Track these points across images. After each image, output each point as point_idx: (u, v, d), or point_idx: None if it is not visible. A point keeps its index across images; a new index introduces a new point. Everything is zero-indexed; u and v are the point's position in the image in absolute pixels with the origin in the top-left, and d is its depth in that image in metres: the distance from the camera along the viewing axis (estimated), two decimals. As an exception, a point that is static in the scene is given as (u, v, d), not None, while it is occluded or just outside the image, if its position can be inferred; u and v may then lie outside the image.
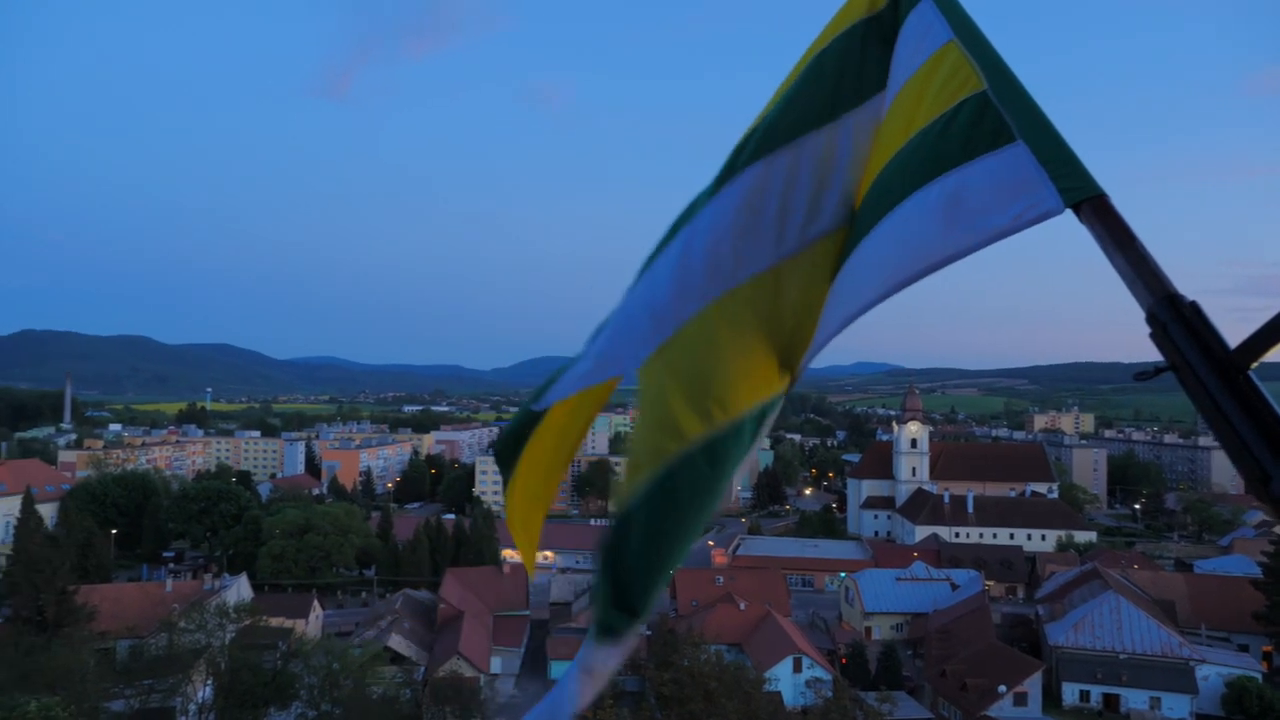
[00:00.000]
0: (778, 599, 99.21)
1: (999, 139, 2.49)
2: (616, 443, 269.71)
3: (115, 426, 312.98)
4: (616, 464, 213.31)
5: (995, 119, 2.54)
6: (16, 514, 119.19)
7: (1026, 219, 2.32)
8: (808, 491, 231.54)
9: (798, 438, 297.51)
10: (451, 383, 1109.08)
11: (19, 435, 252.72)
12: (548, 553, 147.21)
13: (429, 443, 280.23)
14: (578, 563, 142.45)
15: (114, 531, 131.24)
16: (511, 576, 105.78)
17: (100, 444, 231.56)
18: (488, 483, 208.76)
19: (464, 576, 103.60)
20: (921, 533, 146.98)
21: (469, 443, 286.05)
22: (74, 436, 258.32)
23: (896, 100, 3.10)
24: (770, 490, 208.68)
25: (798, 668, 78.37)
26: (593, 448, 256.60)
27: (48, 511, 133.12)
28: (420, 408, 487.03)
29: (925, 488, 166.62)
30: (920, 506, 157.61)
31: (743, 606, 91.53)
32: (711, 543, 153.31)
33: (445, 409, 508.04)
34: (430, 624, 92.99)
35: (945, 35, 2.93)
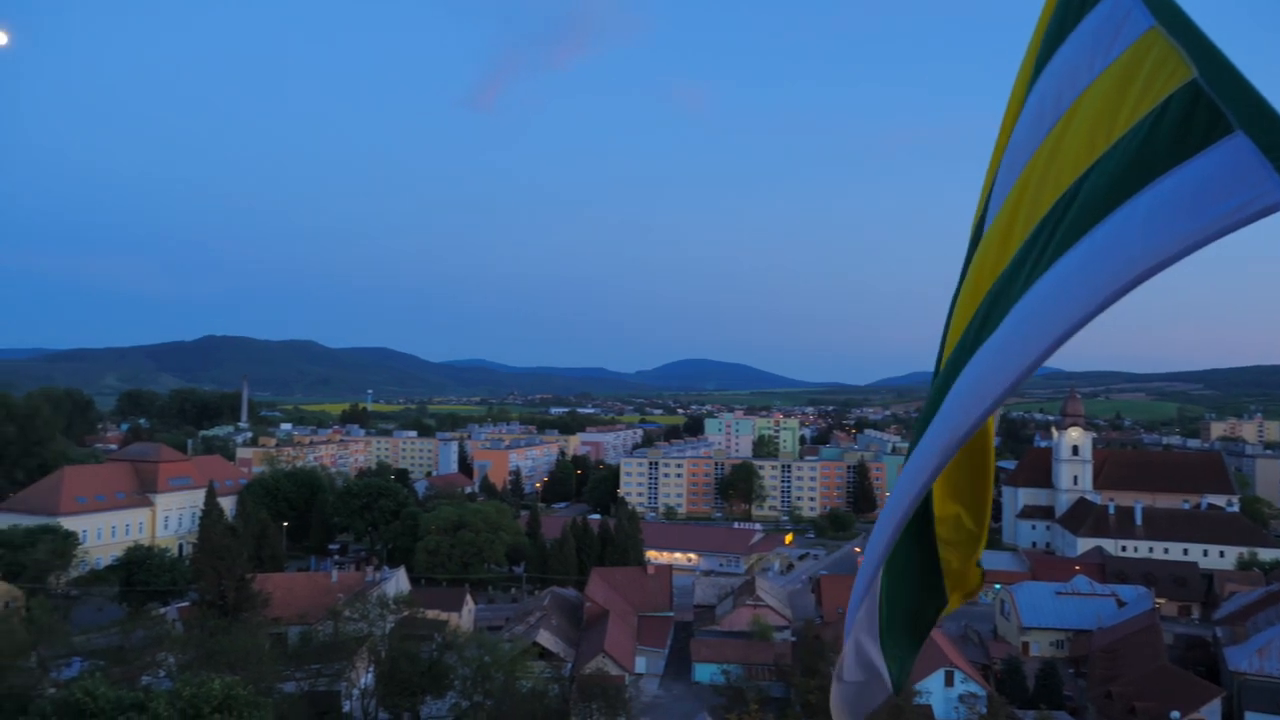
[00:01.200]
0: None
1: (1214, 131, 2.34)
2: (760, 446, 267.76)
3: (286, 426, 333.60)
4: (760, 466, 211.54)
5: (1209, 110, 2.38)
6: (201, 506, 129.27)
7: (1247, 214, 2.19)
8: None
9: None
10: (596, 385, 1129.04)
11: (203, 433, 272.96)
12: (691, 554, 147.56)
13: (575, 444, 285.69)
14: (721, 566, 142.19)
15: (285, 524, 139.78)
16: (656, 577, 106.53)
17: (273, 442, 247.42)
18: (632, 484, 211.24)
19: (609, 576, 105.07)
20: (1084, 545, 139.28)
21: (614, 444, 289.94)
22: (250, 435, 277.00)
23: (1090, 95, 2.92)
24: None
25: (949, 682, 75.68)
26: (736, 450, 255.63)
27: (228, 504, 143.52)
28: (566, 409, 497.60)
29: (1088, 497, 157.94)
30: (1082, 517, 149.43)
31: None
32: (858, 549, 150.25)
33: (590, 411, 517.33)
34: (577, 622, 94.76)
35: (1145, 22, 2.72)
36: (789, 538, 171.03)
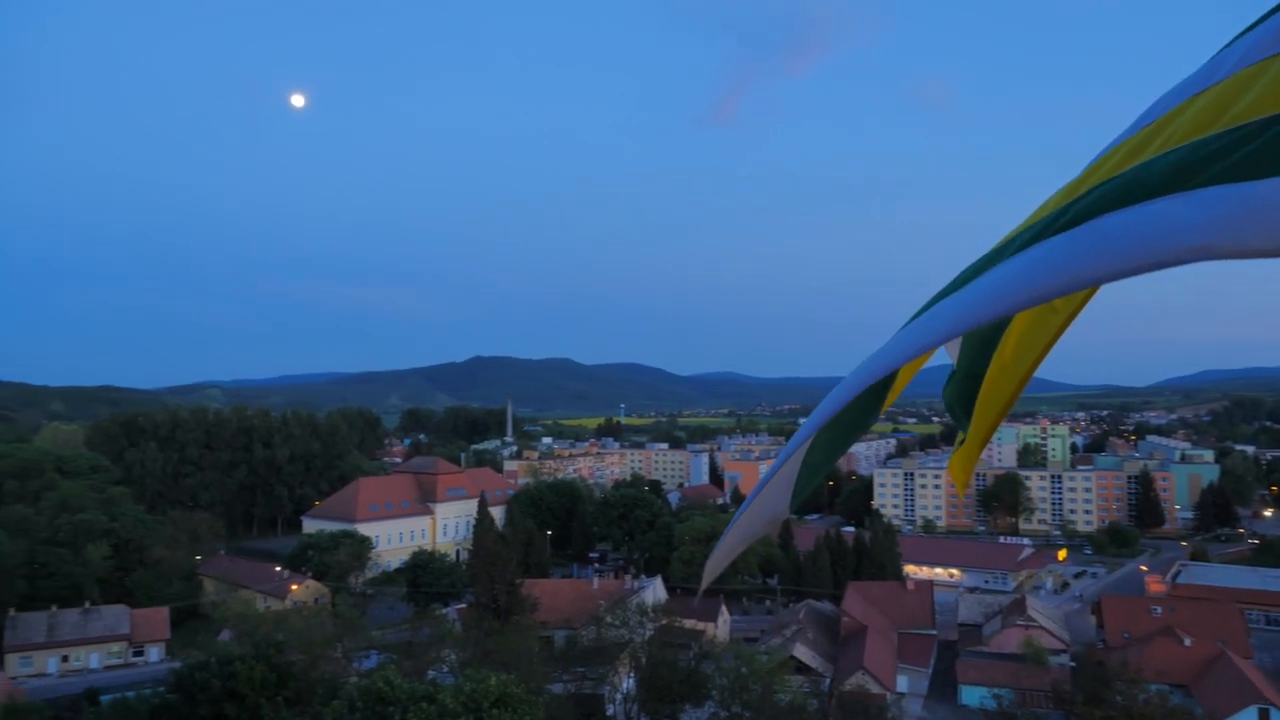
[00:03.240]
0: (1234, 637, 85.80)
1: None
2: (1025, 455, 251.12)
3: (547, 439, 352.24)
4: (1026, 477, 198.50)
5: None
6: (474, 514, 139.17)
7: None
8: (1267, 513, 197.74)
9: (1251, 449, 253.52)
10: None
11: (474, 447, 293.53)
12: (953, 570, 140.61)
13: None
14: (986, 583, 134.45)
15: (549, 532, 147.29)
16: (916, 593, 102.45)
17: (536, 455, 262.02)
18: (886, 495, 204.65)
19: (866, 590, 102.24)
20: None
21: (865, 455, 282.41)
22: (515, 448, 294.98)
23: (1234, 80, 2.96)
24: (1218, 510, 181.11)
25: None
26: (999, 459, 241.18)
27: (497, 513, 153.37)
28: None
29: None
30: None
31: (1187, 643, 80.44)
32: (1144, 568, 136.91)
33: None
34: (833, 636, 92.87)
35: None
36: (1062, 554, 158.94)
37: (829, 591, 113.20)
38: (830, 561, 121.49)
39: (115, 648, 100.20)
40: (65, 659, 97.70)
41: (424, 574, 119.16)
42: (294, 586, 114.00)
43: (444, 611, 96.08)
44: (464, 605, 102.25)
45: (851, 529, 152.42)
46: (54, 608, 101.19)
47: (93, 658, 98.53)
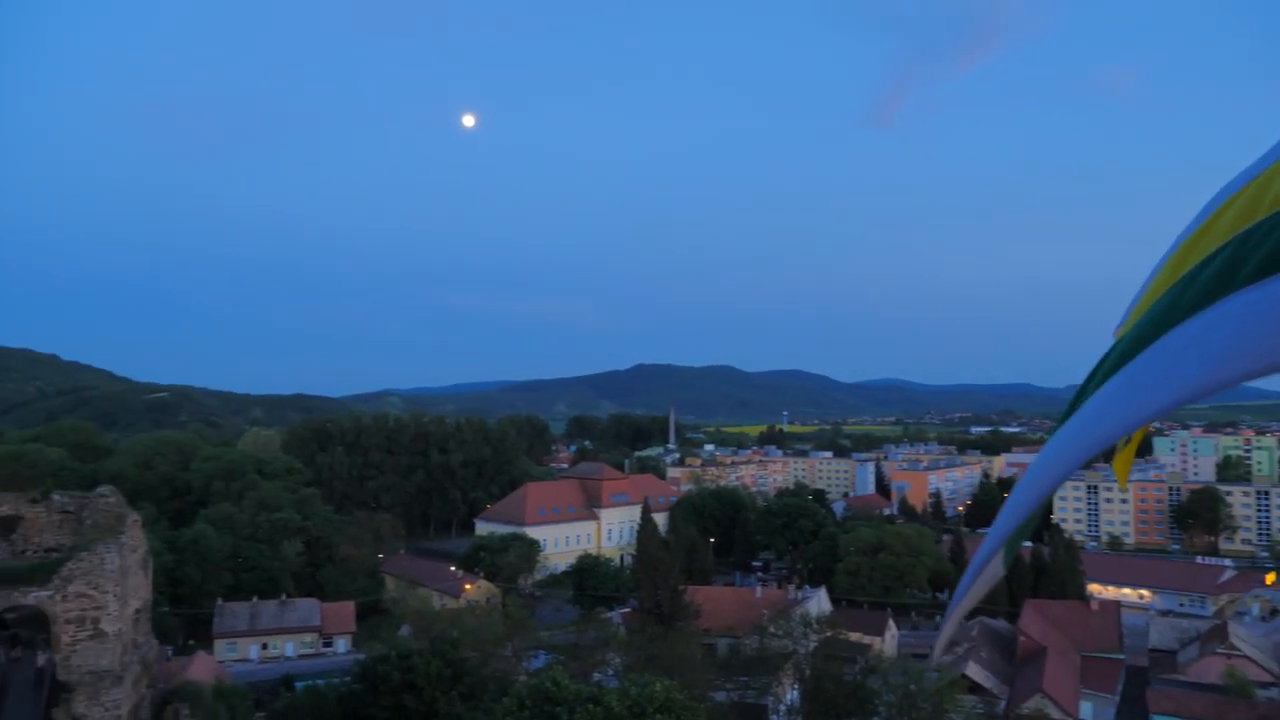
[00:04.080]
0: None
1: None
2: (1226, 468, 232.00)
3: (709, 447, 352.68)
4: (1227, 492, 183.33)
5: None
6: (637, 520, 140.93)
7: None
8: None
9: None
10: (1021, 401, 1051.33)
11: (637, 454, 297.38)
12: (1143, 591, 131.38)
13: (1000, 465, 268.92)
14: (1181, 606, 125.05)
15: (712, 540, 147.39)
16: (1101, 614, 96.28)
17: (698, 462, 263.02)
18: (1068, 509, 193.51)
19: (1045, 609, 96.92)
20: None
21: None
22: (677, 455, 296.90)
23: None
24: None
25: None
26: (1194, 472, 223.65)
27: (661, 519, 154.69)
28: (988, 428, 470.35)
29: None
30: None
31: None
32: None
33: (1016, 430, 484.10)
34: (1009, 656, 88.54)
35: None
36: (1270, 577, 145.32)
37: (1004, 609, 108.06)
38: (1006, 578, 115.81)
39: (308, 638, 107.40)
40: (264, 646, 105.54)
41: (590, 577, 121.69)
42: (467, 586, 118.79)
43: (609, 615, 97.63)
44: (628, 609, 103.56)
45: (1029, 544, 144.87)
46: (255, 599, 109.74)
47: (288, 646, 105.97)
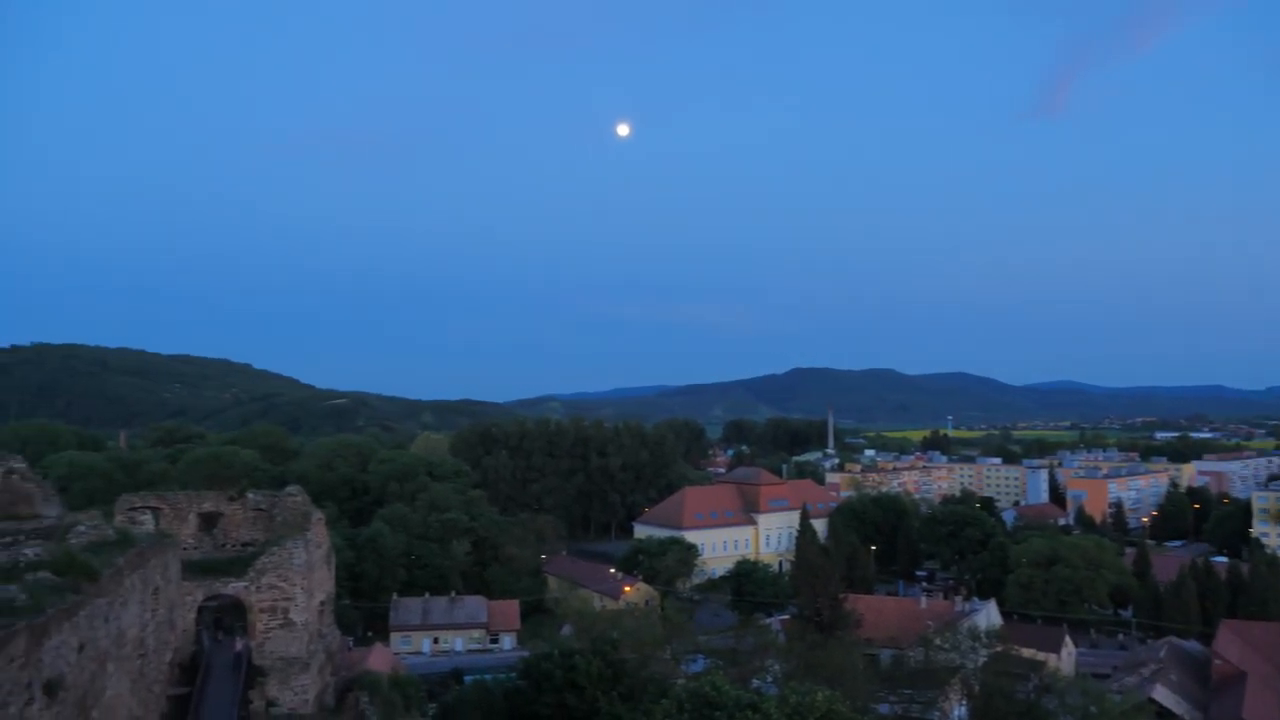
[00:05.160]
0: None
1: None
2: None
3: (869, 452, 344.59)
4: None
5: None
6: (796, 526, 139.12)
7: None
8: None
9: None
10: (1212, 405, 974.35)
11: (795, 458, 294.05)
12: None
13: (1189, 473, 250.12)
14: None
15: (873, 547, 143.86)
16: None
17: (858, 468, 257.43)
18: (1268, 522, 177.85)
19: (1245, 631, 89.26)
20: None
21: (1241, 474, 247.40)
22: (836, 460, 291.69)
23: None
24: None
25: None
26: None
27: (819, 526, 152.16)
28: (1175, 434, 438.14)
29: None
30: None
31: None
32: None
33: (1207, 435, 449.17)
34: (1202, 680, 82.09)
35: None
36: None
37: (1196, 629, 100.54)
38: (1198, 595, 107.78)
39: (475, 634, 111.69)
40: (436, 640, 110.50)
41: (747, 583, 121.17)
42: (627, 588, 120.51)
43: (767, 621, 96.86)
44: (787, 616, 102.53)
45: (1224, 559, 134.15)
46: (426, 595, 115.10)
47: (457, 641, 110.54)
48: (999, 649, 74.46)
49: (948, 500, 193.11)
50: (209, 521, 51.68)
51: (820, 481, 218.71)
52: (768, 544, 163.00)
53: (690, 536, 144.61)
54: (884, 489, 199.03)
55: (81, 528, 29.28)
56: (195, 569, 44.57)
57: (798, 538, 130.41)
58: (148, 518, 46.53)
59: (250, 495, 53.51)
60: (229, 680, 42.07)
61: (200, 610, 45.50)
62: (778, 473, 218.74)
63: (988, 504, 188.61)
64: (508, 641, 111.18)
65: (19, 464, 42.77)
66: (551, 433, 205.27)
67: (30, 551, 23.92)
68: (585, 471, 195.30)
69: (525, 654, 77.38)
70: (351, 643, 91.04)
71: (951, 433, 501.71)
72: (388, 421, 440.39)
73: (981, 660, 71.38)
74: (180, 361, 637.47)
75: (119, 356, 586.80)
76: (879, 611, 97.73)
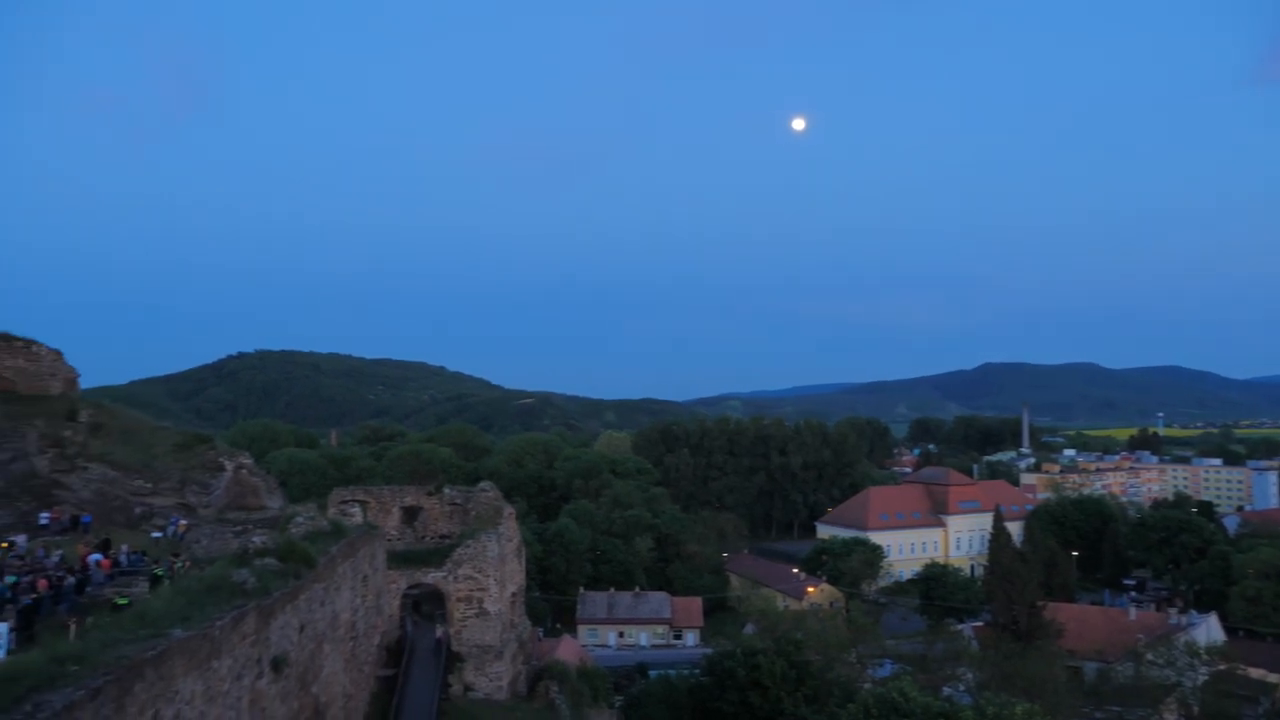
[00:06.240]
0: None
1: None
2: None
3: (1069, 452, 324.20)
4: None
5: None
6: (988, 529, 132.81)
7: None
8: None
9: None
10: None
11: (986, 458, 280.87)
12: None
13: None
14: None
15: (1074, 554, 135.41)
16: None
17: (1056, 468, 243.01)
18: None
19: None
20: None
21: None
22: (1032, 460, 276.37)
23: None
24: None
25: None
26: None
27: (1014, 529, 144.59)
28: None
29: None
30: None
31: None
32: None
33: None
34: None
35: None
36: None
37: None
38: None
39: (659, 629, 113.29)
40: (621, 634, 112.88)
41: (937, 587, 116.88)
42: (810, 589, 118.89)
43: (959, 628, 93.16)
44: (980, 623, 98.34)
45: None
46: (611, 590, 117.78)
47: (642, 636, 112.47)
48: (1222, 667, 68.61)
49: (1159, 504, 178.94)
50: (410, 514, 54.96)
51: (1014, 483, 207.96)
52: (957, 547, 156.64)
53: (875, 537, 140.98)
54: (1086, 491, 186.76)
55: (300, 518, 31.83)
56: (398, 559, 47.53)
57: (990, 541, 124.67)
58: (356, 510, 49.99)
59: (447, 490, 56.50)
60: (430, 664, 44.54)
61: (402, 597, 48.46)
62: (968, 473, 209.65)
63: (1206, 509, 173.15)
64: (691, 638, 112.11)
65: (246, 460, 46.93)
66: (732, 431, 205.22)
67: (258, 539, 26.23)
68: (766, 470, 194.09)
69: (708, 651, 77.88)
70: (541, 633, 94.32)
71: (1163, 431, 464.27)
72: (572, 420, 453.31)
73: (1201, 679, 65.93)
74: (383, 365, 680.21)
75: (330, 361, 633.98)
76: (1082, 621, 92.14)
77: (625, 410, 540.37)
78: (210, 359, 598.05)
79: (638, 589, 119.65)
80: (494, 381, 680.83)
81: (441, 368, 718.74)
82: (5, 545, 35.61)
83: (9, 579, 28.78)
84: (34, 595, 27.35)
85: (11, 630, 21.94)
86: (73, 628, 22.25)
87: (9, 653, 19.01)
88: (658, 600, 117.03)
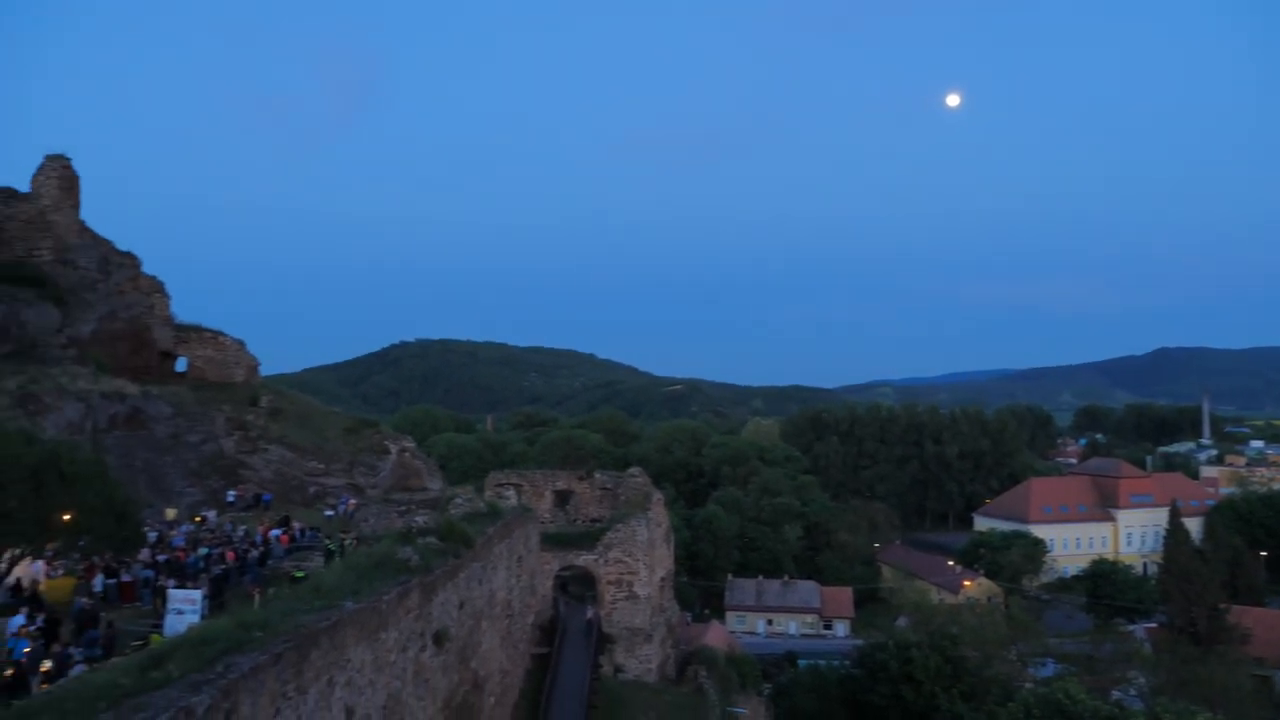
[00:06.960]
0: None
1: None
2: None
3: (1256, 443, 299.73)
4: None
5: None
6: (1163, 525, 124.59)
7: None
8: None
9: None
10: None
11: (1161, 449, 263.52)
12: None
13: None
14: None
15: (1263, 554, 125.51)
16: None
17: (1242, 461, 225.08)
18: None
19: None
20: None
21: None
22: (1214, 452, 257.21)
23: None
24: None
25: None
26: None
27: (1193, 526, 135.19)
28: None
29: None
30: None
31: None
32: None
33: None
34: None
35: None
36: None
37: None
38: None
39: (808, 619, 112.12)
40: (770, 622, 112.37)
41: (1105, 585, 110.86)
42: (966, 582, 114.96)
43: (1129, 629, 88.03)
44: (1153, 625, 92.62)
45: None
46: (760, 577, 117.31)
47: (790, 624, 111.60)
48: None
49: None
50: (562, 498, 56.43)
51: (1193, 476, 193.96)
52: (1128, 543, 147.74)
53: (1037, 531, 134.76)
54: (1277, 486, 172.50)
55: (459, 500, 33.23)
56: (551, 541, 48.90)
57: (1166, 537, 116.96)
58: (511, 493, 51.71)
59: (598, 475, 57.74)
60: (581, 645, 45.69)
61: (555, 578, 49.84)
62: (1140, 465, 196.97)
63: None
64: (841, 628, 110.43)
65: (409, 444, 49.29)
66: (883, 419, 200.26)
67: (420, 519, 27.58)
68: (920, 459, 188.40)
69: (859, 643, 76.60)
70: (689, 618, 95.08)
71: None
72: (720, 407, 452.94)
73: None
74: (536, 352, 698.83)
75: (486, 349, 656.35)
76: (1271, 627, 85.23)
77: (773, 397, 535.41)
78: (375, 348, 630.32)
79: (786, 577, 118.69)
80: (642, 368, 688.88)
81: (591, 355, 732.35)
82: (198, 520, 38.90)
83: (202, 550, 31.42)
84: (223, 566, 29.77)
85: (205, 597, 23.98)
86: (257, 597, 24.12)
87: (202, 618, 20.73)
88: (807, 589, 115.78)
